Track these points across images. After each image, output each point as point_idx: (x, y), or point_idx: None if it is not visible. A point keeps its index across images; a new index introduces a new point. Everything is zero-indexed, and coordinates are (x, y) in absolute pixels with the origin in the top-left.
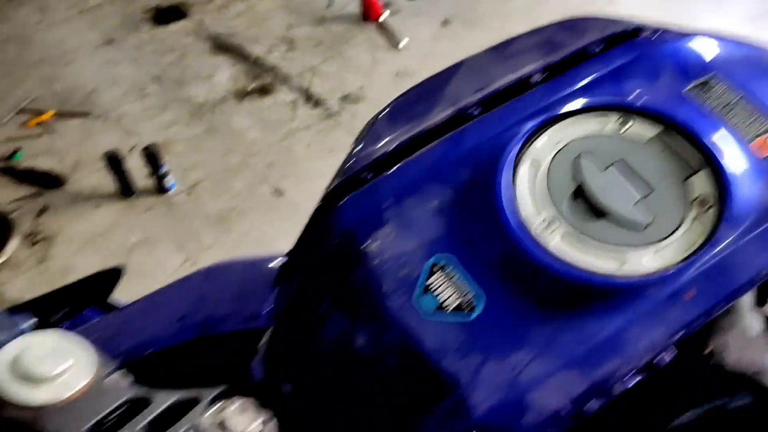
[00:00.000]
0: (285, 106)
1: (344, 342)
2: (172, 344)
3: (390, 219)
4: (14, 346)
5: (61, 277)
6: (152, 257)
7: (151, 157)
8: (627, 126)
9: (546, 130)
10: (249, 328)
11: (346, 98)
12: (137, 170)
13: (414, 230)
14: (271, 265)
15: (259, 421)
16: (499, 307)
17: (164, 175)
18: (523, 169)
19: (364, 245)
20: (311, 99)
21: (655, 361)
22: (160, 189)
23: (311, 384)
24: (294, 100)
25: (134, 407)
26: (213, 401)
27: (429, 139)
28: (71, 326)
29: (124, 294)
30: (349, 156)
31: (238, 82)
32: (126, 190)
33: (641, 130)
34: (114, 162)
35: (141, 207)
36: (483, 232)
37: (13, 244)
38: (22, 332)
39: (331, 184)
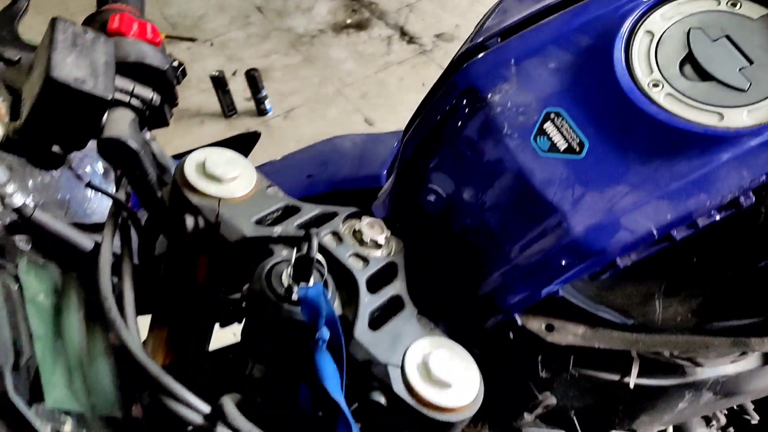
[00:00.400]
0: (380, 41)
1: (465, 174)
2: (303, 197)
3: (512, 76)
4: (200, 154)
5: None
6: None
7: (253, 81)
8: (737, 6)
9: (663, 5)
10: (370, 187)
11: (440, 36)
12: (238, 93)
13: (532, 86)
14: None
15: (387, 234)
16: (603, 150)
17: (263, 99)
18: (638, 38)
19: (489, 96)
20: (406, 35)
21: (739, 200)
22: (259, 112)
23: (431, 216)
24: (389, 36)
25: (287, 212)
26: (348, 217)
27: (552, 13)
28: None
29: None
30: (477, 28)
31: (337, 15)
32: (228, 110)
33: (749, 11)
34: (219, 83)
35: (240, 127)
36: (594, 88)
37: None
38: None
39: (459, 51)
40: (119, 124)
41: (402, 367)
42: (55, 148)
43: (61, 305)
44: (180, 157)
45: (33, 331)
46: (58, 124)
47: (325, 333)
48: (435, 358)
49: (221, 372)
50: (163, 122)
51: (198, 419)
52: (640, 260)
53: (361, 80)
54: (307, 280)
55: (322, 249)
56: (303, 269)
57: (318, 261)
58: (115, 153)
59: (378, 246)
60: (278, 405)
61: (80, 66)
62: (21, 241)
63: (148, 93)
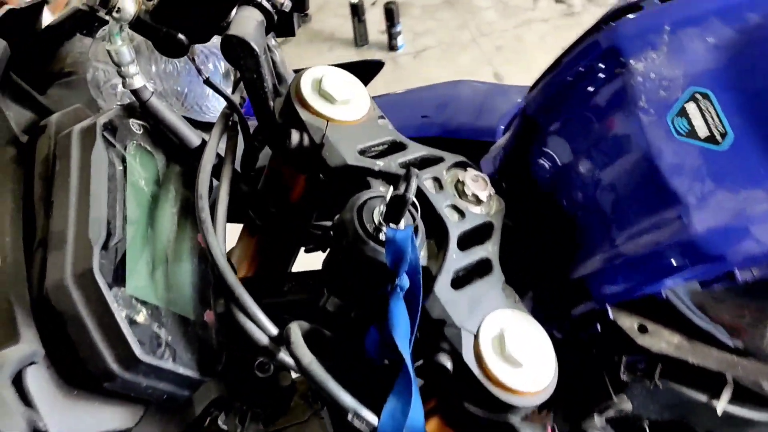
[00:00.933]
0: None
1: (587, 144)
2: (412, 136)
3: (663, 44)
4: (318, 71)
5: None
6: None
7: (390, 14)
8: None
9: None
10: (484, 139)
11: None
12: (373, 25)
13: (683, 59)
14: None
15: (490, 192)
16: (748, 145)
17: (396, 35)
18: None
19: (632, 62)
20: None
21: None
22: (390, 47)
23: (540, 182)
24: None
25: (393, 148)
26: (454, 165)
27: None
28: None
29: None
30: None
31: None
32: (360, 40)
33: None
34: (356, 11)
35: (369, 58)
36: (753, 75)
37: None
38: None
39: (610, 9)
40: (246, 23)
41: (476, 335)
42: (181, 37)
43: (159, 196)
44: (300, 71)
45: (127, 214)
46: (188, 12)
47: (405, 281)
48: (512, 334)
49: (297, 296)
50: (290, 31)
51: (263, 339)
52: (763, 278)
53: (499, 32)
54: (398, 222)
55: (420, 193)
56: (396, 210)
57: (413, 203)
58: (236, 52)
59: (478, 202)
60: (345, 344)
61: None
62: (134, 125)
63: None
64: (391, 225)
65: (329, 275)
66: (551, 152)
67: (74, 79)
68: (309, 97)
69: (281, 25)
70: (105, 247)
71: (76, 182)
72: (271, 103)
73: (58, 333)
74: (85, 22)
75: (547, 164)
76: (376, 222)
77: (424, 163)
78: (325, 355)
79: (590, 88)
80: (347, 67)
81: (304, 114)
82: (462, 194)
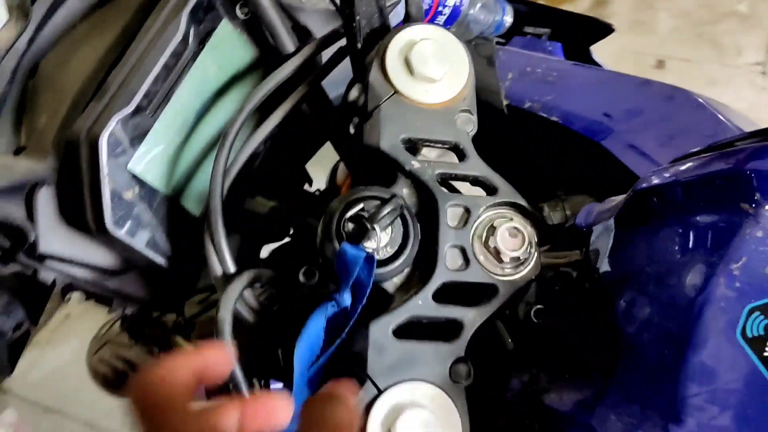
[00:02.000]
0: None
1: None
2: (573, 128)
3: None
4: (420, 31)
5: None
6: None
7: None
8: None
9: None
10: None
11: None
12: None
13: None
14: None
15: (523, 256)
16: None
17: None
18: None
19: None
20: None
21: None
22: None
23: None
24: None
25: (452, 152)
26: (502, 205)
27: None
28: None
29: None
30: None
31: None
32: None
33: None
34: None
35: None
36: None
37: None
38: None
39: None
40: None
41: (376, 396)
42: None
43: (221, 91)
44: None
45: (174, 96)
46: None
47: (345, 299)
48: (401, 424)
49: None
50: None
51: (217, 271)
52: None
53: None
54: (357, 242)
55: (434, 215)
56: (359, 230)
57: (408, 224)
58: None
59: (498, 259)
60: (288, 313)
61: None
62: (240, 10)
63: None
64: (354, 242)
65: (305, 244)
66: (630, 248)
67: None
68: (391, 58)
69: None
70: (132, 116)
71: (144, 45)
72: (359, 45)
73: (70, 174)
74: None
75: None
76: (349, 229)
77: (474, 182)
78: (265, 313)
79: (703, 204)
80: (567, 18)
81: (374, 73)
82: (485, 242)
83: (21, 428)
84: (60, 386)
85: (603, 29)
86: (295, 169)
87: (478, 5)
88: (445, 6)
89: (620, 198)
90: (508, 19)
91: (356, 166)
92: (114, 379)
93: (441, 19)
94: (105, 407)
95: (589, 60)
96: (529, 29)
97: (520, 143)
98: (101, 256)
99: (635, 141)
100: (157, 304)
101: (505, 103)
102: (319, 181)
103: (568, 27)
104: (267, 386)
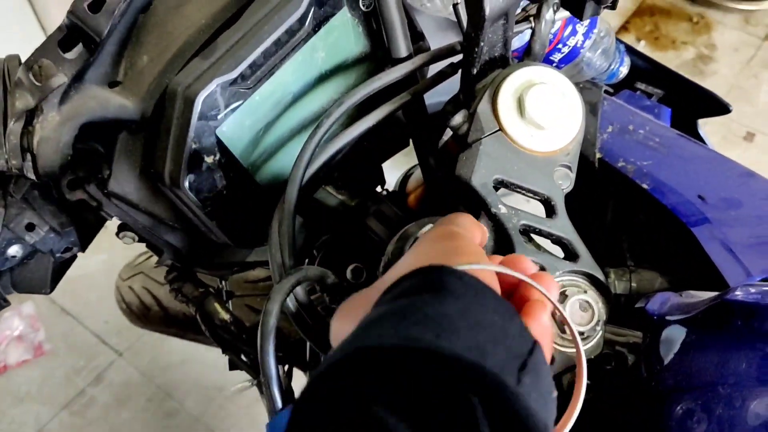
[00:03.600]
0: None
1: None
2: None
3: None
4: (540, 73)
5: None
6: None
7: None
8: None
9: None
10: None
11: None
12: None
13: None
14: None
15: (589, 332)
16: None
17: None
18: None
19: None
20: None
21: None
22: None
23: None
24: None
25: (543, 205)
26: (578, 274)
27: None
28: None
29: None
30: None
31: None
32: None
33: None
34: None
35: None
36: None
37: None
38: None
39: None
40: None
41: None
42: None
43: (323, 77)
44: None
45: (277, 73)
46: None
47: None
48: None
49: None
50: (578, 12)
51: (276, 259)
52: None
53: None
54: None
55: None
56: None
57: None
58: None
59: (560, 329)
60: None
61: None
62: (363, 1)
63: None
64: None
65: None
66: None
67: None
68: (505, 94)
69: (570, 1)
70: (232, 83)
71: (261, 15)
72: (474, 71)
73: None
74: None
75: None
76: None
77: (557, 242)
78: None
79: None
80: (685, 85)
81: (484, 105)
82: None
83: (35, 324)
84: (82, 293)
85: (719, 107)
86: (371, 168)
87: (599, 51)
88: (565, 45)
89: (701, 297)
90: (624, 70)
91: (434, 182)
92: (138, 309)
93: (558, 56)
94: (118, 326)
95: (694, 132)
96: (641, 85)
97: (601, 199)
98: (164, 208)
99: (727, 235)
100: (205, 265)
101: (597, 155)
102: (389, 179)
103: (683, 93)
104: (289, 374)
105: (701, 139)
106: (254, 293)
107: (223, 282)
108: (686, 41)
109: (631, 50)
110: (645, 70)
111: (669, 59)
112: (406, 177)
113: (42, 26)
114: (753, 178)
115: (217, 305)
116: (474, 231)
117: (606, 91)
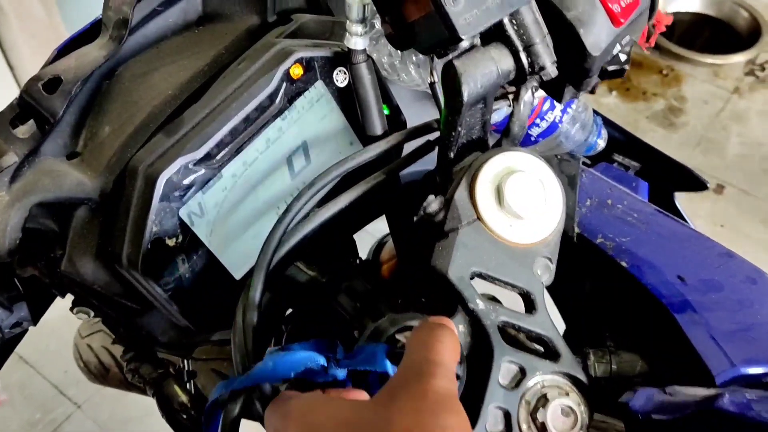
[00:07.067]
0: None
1: None
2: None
3: None
4: (519, 159)
5: None
6: None
7: None
8: None
9: None
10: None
11: None
12: None
13: None
14: None
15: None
16: None
17: None
18: None
19: None
20: None
21: None
22: None
23: None
24: None
25: (522, 299)
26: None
27: None
28: None
29: None
30: None
31: None
32: None
33: None
34: None
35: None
36: None
37: None
38: None
39: None
40: (478, 64)
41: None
42: None
43: (294, 154)
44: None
45: (249, 146)
46: None
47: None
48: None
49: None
50: (557, 96)
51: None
52: None
53: None
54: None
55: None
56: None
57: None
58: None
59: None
60: None
61: None
62: (339, 74)
63: None
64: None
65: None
66: None
67: None
68: (482, 181)
69: (550, 85)
70: (197, 163)
71: (230, 90)
72: (451, 155)
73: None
74: None
75: None
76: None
77: (536, 340)
78: None
79: None
80: (663, 160)
81: (460, 192)
82: (532, 412)
83: None
84: (41, 341)
85: (695, 183)
86: (344, 240)
87: (577, 124)
88: (543, 119)
89: (686, 395)
90: (602, 143)
91: (407, 258)
92: (96, 369)
93: (536, 131)
94: (77, 376)
95: (671, 205)
96: (618, 157)
97: (580, 276)
98: (122, 290)
99: (708, 321)
100: (165, 345)
101: (576, 231)
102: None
103: (660, 168)
104: None
105: (678, 213)
106: (221, 357)
107: (185, 361)
108: (657, 93)
109: (608, 123)
110: (622, 142)
111: (640, 110)
112: (380, 245)
113: (16, 80)
114: (732, 259)
115: (176, 388)
116: (453, 359)
117: (584, 163)
